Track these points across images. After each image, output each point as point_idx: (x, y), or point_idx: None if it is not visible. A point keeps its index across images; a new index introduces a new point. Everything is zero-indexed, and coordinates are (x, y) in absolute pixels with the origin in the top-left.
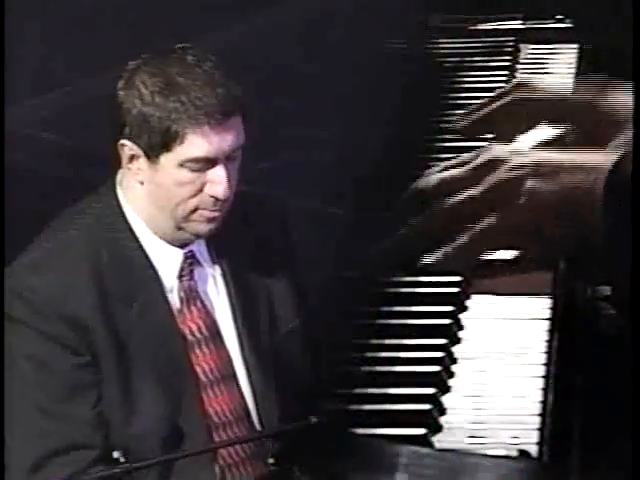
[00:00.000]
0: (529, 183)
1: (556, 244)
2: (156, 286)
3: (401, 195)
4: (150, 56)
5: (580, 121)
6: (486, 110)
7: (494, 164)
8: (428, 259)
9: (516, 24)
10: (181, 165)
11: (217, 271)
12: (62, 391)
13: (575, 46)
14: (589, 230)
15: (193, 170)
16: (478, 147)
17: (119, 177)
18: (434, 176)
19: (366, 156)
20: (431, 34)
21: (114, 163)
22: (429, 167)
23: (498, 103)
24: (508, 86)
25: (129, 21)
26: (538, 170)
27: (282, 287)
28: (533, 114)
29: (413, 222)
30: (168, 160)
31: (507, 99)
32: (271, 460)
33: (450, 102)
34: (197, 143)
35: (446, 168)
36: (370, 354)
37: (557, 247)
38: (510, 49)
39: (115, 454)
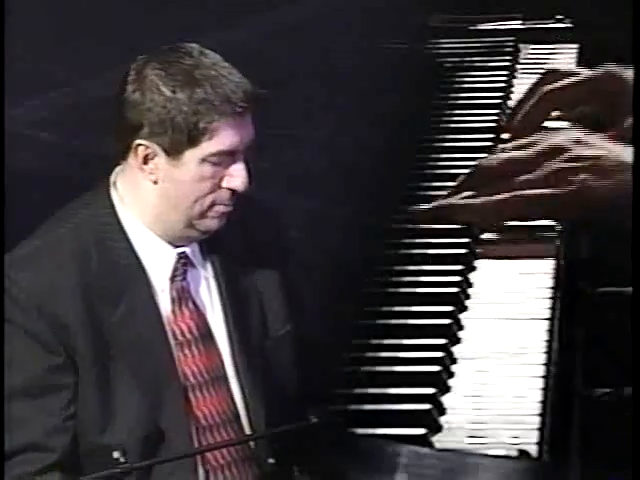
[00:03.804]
0: (582, 176)
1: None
2: (144, 287)
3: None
4: (154, 54)
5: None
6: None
7: (556, 151)
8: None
9: (516, 24)
10: (203, 160)
11: (210, 272)
12: (32, 390)
13: (575, 46)
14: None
15: (214, 164)
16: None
17: (113, 178)
18: (495, 156)
19: (366, 157)
20: (431, 34)
21: (111, 164)
22: (429, 167)
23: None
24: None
25: (129, 21)
26: (596, 164)
27: (274, 290)
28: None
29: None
30: (192, 155)
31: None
32: (271, 460)
33: (450, 102)
34: (225, 136)
35: (505, 150)
36: (370, 354)
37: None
38: (510, 49)
39: (115, 454)
